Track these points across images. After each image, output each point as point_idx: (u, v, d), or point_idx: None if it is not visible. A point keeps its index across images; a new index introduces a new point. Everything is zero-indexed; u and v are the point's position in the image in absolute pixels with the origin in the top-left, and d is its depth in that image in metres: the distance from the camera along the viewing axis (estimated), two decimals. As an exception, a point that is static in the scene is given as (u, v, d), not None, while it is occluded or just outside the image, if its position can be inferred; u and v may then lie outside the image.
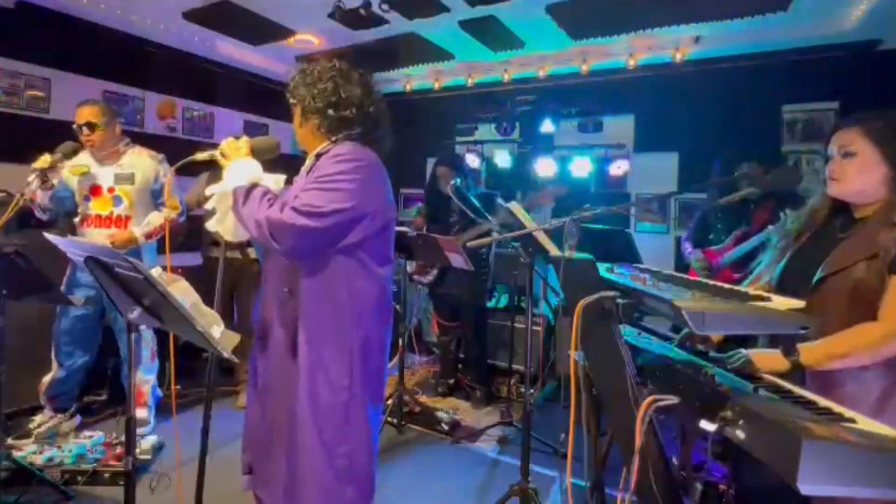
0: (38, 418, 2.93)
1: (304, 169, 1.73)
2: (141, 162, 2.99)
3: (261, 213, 1.52)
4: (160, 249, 3.10)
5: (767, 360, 1.37)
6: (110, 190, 2.93)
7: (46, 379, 2.93)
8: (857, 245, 1.43)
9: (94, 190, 2.93)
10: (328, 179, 1.55)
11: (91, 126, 2.86)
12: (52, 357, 2.93)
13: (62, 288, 2.86)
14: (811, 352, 1.37)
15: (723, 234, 3.20)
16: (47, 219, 2.87)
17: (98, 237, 2.87)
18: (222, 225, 1.73)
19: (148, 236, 2.93)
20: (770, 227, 2.86)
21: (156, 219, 2.95)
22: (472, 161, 5.11)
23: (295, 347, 1.62)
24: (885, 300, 1.35)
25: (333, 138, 1.69)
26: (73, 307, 2.83)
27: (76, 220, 2.98)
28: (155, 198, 3.02)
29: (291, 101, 1.73)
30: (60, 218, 2.99)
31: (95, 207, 2.93)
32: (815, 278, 1.46)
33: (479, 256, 3.75)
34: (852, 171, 1.46)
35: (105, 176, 2.93)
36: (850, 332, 1.36)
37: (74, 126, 2.88)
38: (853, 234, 1.47)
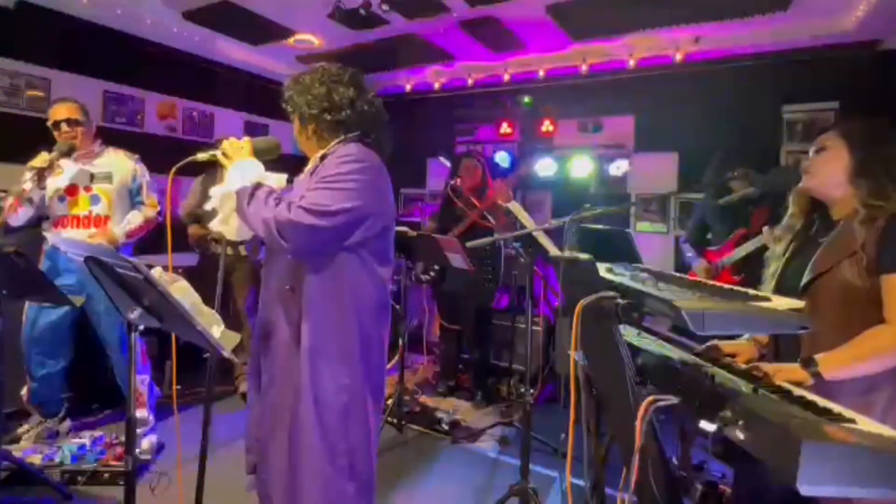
0: (26, 424, 2.90)
1: (307, 169, 1.74)
2: (118, 161, 2.95)
3: (268, 213, 1.53)
4: (145, 252, 3.06)
5: (790, 374, 1.32)
6: (87, 189, 2.86)
7: (23, 392, 2.87)
8: (838, 245, 1.45)
9: (71, 190, 2.85)
10: (335, 179, 1.57)
11: (72, 122, 2.81)
12: (25, 369, 2.84)
13: None
14: (830, 361, 1.34)
15: (722, 234, 3.20)
16: (22, 224, 2.76)
17: (77, 238, 2.77)
18: (226, 225, 1.74)
19: (129, 235, 2.89)
20: (767, 227, 2.87)
21: (135, 217, 2.92)
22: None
23: (298, 345, 1.63)
24: (889, 301, 1.34)
25: (334, 141, 1.70)
26: (39, 318, 2.76)
27: (45, 224, 2.88)
28: (132, 197, 2.98)
29: (288, 110, 1.74)
30: (29, 226, 2.87)
31: (72, 208, 2.85)
32: (803, 282, 1.47)
33: (484, 257, 3.74)
34: (821, 163, 1.53)
35: (82, 175, 2.86)
36: (866, 338, 1.34)
37: (49, 123, 2.82)
38: (833, 236, 1.49)
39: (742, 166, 3.08)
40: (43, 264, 2.83)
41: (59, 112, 2.82)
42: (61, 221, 2.86)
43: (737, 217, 3.13)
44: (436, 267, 3.88)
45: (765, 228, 2.71)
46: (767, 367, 1.35)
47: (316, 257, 1.62)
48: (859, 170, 1.45)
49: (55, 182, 2.81)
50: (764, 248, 2.81)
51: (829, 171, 1.51)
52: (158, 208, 3.00)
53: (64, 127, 2.81)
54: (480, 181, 3.91)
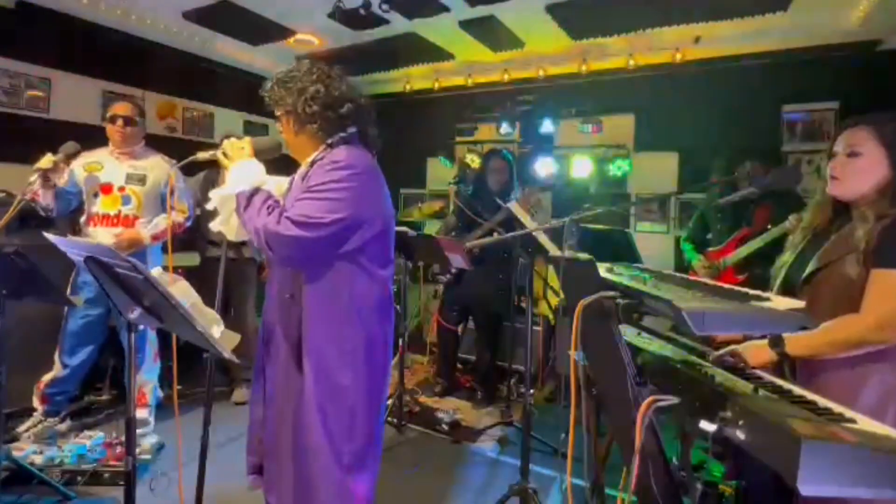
0: (26, 423, 2.91)
1: (298, 176, 1.72)
2: (154, 164, 3.02)
3: (259, 222, 1.53)
4: (164, 249, 3.10)
5: (756, 352, 1.40)
6: (121, 189, 2.93)
7: (47, 377, 2.91)
8: (844, 240, 1.45)
9: (105, 188, 2.92)
10: (322, 189, 1.54)
11: (128, 121, 2.91)
12: (56, 357, 2.91)
13: (69, 287, 2.85)
14: (796, 341, 1.40)
15: (723, 234, 3.19)
16: (53, 216, 2.84)
17: (104, 236, 2.86)
18: (226, 226, 1.74)
19: (155, 238, 2.94)
20: (770, 226, 2.87)
21: (163, 221, 2.96)
22: (472, 161, 5.11)
23: (299, 352, 1.64)
24: (867, 293, 1.36)
25: (329, 141, 1.67)
26: (82, 308, 2.82)
27: (82, 218, 2.97)
28: (164, 201, 3.02)
29: (278, 112, 1.70)
30: (65, 217, 2.97)
31: (103, 206, 2.91)
32: (806, 272, 1.48)
33: (500, 261, 3.72)
34: (855, 171, 1.45)
35: (117, 174, 2.93)
36: (834, 324, 1.38)
37: (109, 114, 2.92)
38: (844, 230, 1.49)
39: (749, 161, 3.07)
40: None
41: (121, 108, 2.95)
42: (92, 219, 2.94)
43: (738, 216, 3.12)
44: (454, 269, 3.85)
45: (791, 216, 2.69)
46: (739, 347, 1.41)
47: (309, 265, 1.62)
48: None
49: (90, 178, 2.91)
50: (768, 246, 2.81)
51: (860, 181, 1.44)
52: (188, 214, 3.08)
53: (119, 122, 2.90)
54: (509, 181, 3.83)
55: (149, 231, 2.93)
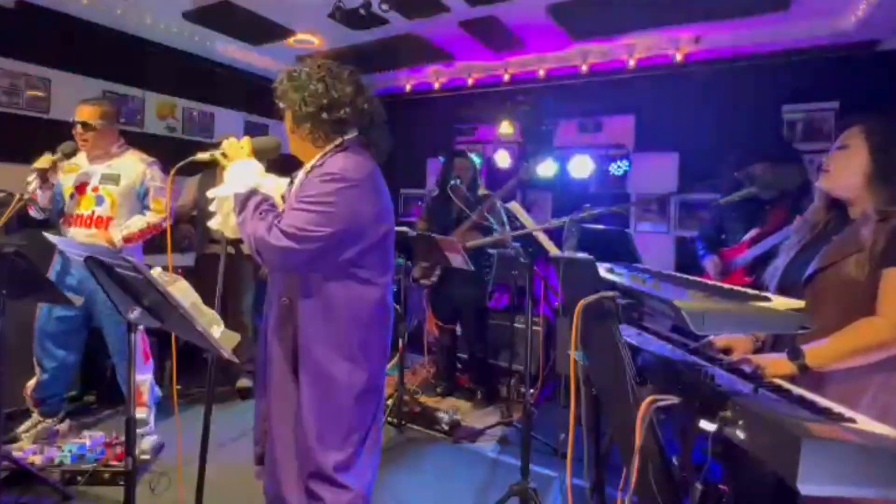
0: (25, 423, 2.90)
1: (298, 179, 1.71)
2: (129, 164, 2.92)
3: (250, 227, 1.53)
4: (146, 252, 3.06)
5: (775, 365, 1.33)
6: (94, 189, 2.86)
7: (31, 383, 2.88)
8: (846, 241, 1.45)
9: (80, 188, 2.86)
10: (314, 201, 1.53)
11: (86, 126, 2.80)
12: (34, 361, 2.86)
13: None
14: (816, 353, 1.34)
15: (737, 234, 3.16)
16: (43, 218, 2.82)
17: (78, 237, 2.79)
18: (225, 225, 1.74)
19: (127, 240, 2.82)
20: (785, 228, 2.84)
21: (136, 222, 2.86)
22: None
23: (296, 355, 1.65)
24: (883, 294, 1.34)
25: (330, 146, 1.65)
26: (57, 309, 2.77)
27: (61, 220, 2.91)
28: (140, 200, 2.95)
29: (281, 105, 1.69)
30: (55, 218, 2.94)
31: (79, 206, 2.85)
32: (807, 273, 1.47)
33: (481, 257, 3.73)
34: (841, 162, 1.50)
35: (93, 175, 2.87)
36: (852, 330, 1.34)
37: (72, 121, 2.84)
38: (845, 232, 1.49)
39: (760, 162, 3.04)
40: (56, 261, 2.84)
41: (79, 113, 2.83)
42: (68, 219, 2.89)
43: (751, 217, 3.09)
44: (437, 272, 3.85)
45: (797, 217, 2.68)
46: (758, 359, 1.36)
47: (301, 273, 1.62)
48: (877, 175, 1.43)
49: (69, 179, 2.85)
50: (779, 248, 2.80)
51: (846, 172, 1.48)
52: (164, 214, 2.92)
53: (78, 129, 2.82)
54: (472, 182, 3.86)
55: (120, 232, 2.81)
